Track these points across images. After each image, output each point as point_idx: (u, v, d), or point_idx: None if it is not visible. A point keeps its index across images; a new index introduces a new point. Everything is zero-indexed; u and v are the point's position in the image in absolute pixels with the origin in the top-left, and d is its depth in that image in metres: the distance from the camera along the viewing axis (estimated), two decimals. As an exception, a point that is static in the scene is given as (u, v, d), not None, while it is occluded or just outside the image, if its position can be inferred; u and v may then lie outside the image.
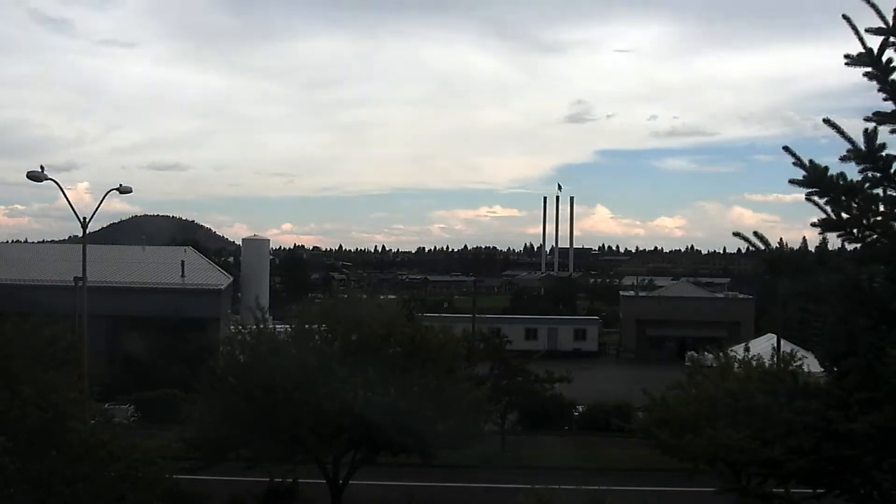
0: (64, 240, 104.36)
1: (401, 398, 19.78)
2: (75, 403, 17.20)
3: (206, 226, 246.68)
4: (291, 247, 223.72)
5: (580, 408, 38.65)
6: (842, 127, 6.01)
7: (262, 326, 22.28)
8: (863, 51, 5.90)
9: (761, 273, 7.25)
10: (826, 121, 5.98)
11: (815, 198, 6.13)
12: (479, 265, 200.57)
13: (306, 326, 22.46)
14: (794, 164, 6.16)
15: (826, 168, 6.07)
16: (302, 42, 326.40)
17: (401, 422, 19.48)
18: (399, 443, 21.01)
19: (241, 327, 23.35)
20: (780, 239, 6.43)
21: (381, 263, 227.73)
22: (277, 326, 24.65)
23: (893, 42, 5.86)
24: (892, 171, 6.03)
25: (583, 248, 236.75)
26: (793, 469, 6.69)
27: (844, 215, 6.06)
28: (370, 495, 24.08)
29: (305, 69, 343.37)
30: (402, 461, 23.81)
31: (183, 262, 52.68)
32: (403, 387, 20.22)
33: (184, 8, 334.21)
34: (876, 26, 5.81)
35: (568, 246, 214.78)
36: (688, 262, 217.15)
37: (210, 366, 22.47)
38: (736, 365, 24.45)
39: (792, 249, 6.45)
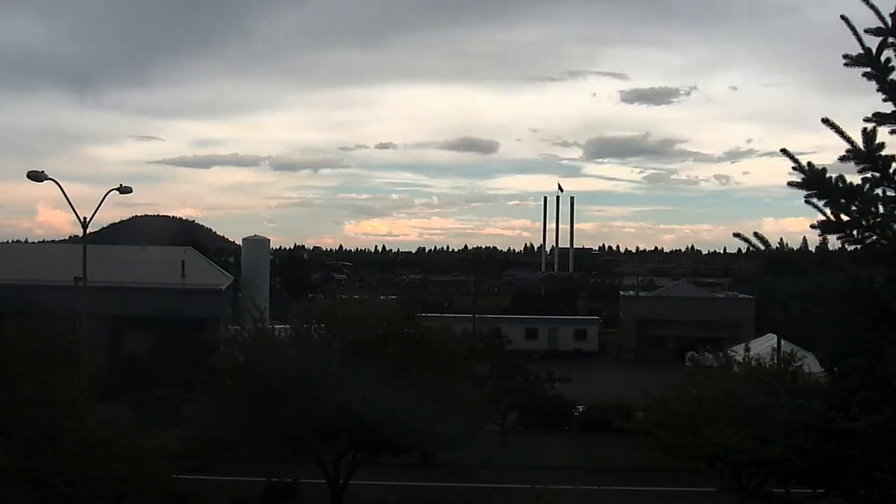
0: (64, 240, 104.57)
1: (400, 398, 19.78)
2: (74, 403, 17.23)
3: (207, 226, 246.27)
4: (292, 247, 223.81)
5: (580, 408, 38.65)
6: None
7: (259, 326, 22.29)
8: (861, 51, 5.91)
9: (761, 273, 7.25)
10: (825, 120, 5.98)
11: (815, 200, 6.13)
12: (480, 265, 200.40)
13: (305, 327, 22.47)
14: (793, 168, 6.15)
15: (824, 170, 6.07)
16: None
17: (400, 422, 19.48)
18: (399, 443, 21.02)
19: (239, 328, 23.37)
20: (781, 239, 6.43)
21: (381, 263, 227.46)
22: (277, 326, 24.66)
23: (892, 42, 5.87)
24: (891, 171, 6.03)
25: (583, 248, 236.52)
26: (793, 469, 6.69)
27: (844, 217, 6.06)
28: (370, 495, 24.10)
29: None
30: (402, 461, 23.83)
31: (183, 262, 52.70)
32: (403, 387, 20.22)
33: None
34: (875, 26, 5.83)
35: (568, 246, 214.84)
36: (688, 261, 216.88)
37: (210, 366, 22.49)
38: (736, 365, 24.48)
39: (792, 249, 6.44)
